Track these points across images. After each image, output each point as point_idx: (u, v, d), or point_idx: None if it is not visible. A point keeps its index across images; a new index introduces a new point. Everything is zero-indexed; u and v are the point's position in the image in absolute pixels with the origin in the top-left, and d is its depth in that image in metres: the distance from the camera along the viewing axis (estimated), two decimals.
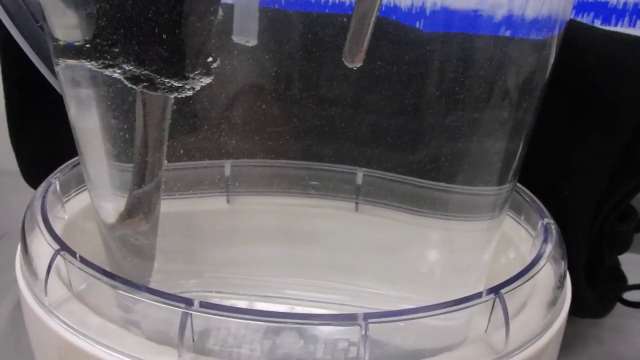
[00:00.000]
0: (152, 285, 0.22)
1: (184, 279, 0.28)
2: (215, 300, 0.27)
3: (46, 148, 0.34)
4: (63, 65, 0.21)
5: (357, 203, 0.28)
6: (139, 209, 0.23)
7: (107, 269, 0.21)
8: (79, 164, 0.28)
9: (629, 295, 0.32)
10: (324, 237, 0.28)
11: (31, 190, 0.35)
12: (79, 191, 0.28)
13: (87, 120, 0.23)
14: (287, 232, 0.28)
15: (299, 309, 0.28)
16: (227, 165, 0.27)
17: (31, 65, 0.28)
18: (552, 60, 0.22)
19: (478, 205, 0.25)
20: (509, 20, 0.20)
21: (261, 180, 0.27)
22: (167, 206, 0.24)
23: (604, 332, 0.33)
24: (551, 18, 0.21)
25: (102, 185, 0.24)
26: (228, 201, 0.29)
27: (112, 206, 0.24)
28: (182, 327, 0.18)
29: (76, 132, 0.23)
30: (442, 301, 0.19)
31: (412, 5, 0.21)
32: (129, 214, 0.23)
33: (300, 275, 0.28)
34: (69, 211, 0.27)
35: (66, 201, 0.27)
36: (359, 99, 0.25)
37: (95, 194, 0.24)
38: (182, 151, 0.24)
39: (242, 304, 0.28)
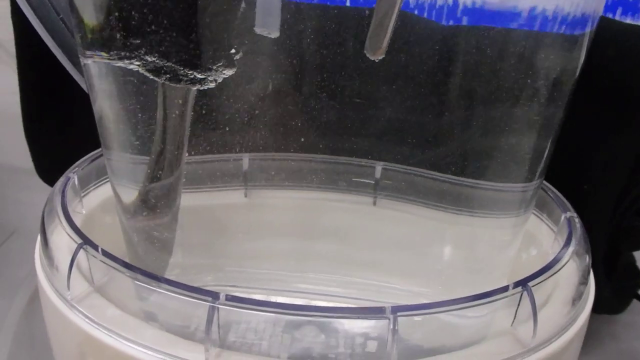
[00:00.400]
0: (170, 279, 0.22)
1: (201, 272, 0.28)
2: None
3: (61, 144, 0.34)
4: (90, 57, 0.21)
5: (375, 197, 0.28)
6: (161, 200, 0.23)
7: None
8: (96, 158, 0.27)
9: None
10: (342, 231, 0.28)
11: (41, 187, 0.35)
12: (96, 186, 0.28)
13: (113, 112, 0.22)
14: (304, 226, 0.28)
15: (316, 304, 0.28)
16: (245, 159, 0.27)
17: (46, 62, 0.27)
18: (583, 57, 0.22)
19: (504, 203, 0.24)
20: (542, 16, 0.20)
21: (279, 174, 0.27)
22: (185, 199, 0.24)
23: (618, 329, 0.33)
24: (585, 14, 0.21)
25: (127, 178, 0.24)
26: (246, 195, 0.28)
27: (135, 198, 0.24)
28: (210, 321, 0.18)
29: (102, 124, 0.23)
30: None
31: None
32: (150, 205, 0.23)
33: (318, 270, 0.28)
34: (86, 206, 0.27)
35: (84, 196, 0.27)
36: (379, 92, 0.24)
37: (119, 186, 0.24)
38: (200, 144, 0.24)
39: (258, 298, 0.28)
